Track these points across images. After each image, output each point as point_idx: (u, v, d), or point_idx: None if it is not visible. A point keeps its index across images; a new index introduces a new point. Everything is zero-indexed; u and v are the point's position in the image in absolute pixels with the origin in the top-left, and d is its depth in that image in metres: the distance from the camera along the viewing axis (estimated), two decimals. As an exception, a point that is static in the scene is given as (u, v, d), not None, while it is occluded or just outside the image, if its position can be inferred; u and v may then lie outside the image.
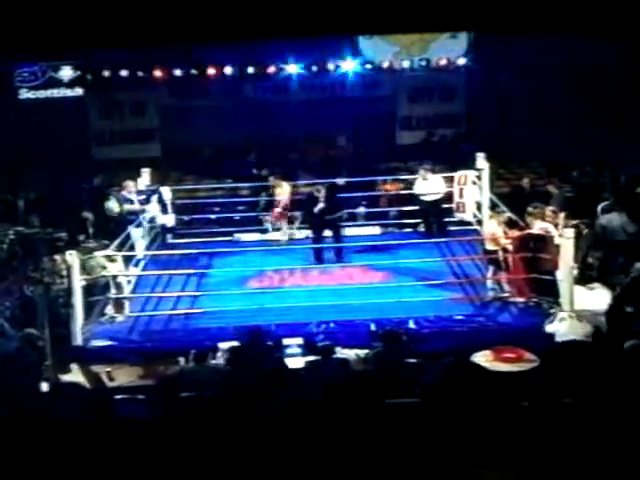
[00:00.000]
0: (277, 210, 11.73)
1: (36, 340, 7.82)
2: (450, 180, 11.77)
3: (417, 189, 11.66)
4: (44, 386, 7.41)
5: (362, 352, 7.92)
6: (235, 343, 8.00)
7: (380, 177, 13.06)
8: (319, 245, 10.82)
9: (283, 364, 7.43)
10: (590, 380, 6.49)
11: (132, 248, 10.72)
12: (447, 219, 11.73)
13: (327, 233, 10.94)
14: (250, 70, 14.26)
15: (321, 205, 10.68)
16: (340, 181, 12.29)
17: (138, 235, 10.88)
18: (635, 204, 10.58)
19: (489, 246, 9.53)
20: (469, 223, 11.58)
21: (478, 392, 6.61)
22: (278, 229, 11.97)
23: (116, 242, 10.11)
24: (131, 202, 11.20)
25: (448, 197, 11.63)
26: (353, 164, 14.22)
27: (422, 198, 11.59)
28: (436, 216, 11.62)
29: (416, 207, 11.82)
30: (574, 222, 9.63)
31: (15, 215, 11.89)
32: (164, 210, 11.73)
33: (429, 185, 11.53)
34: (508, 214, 9.89)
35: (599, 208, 10.38)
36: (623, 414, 5.37)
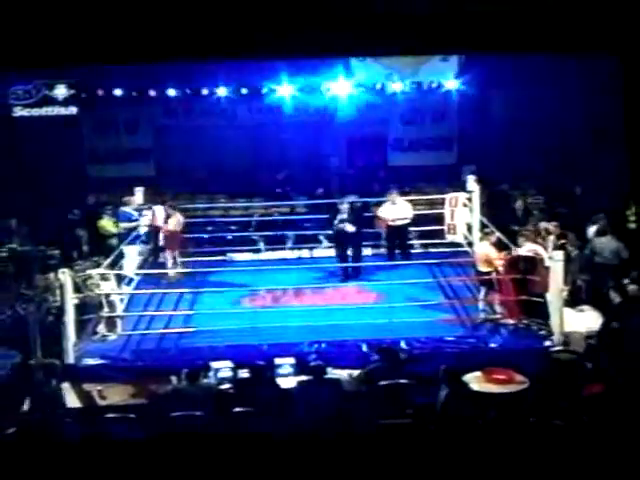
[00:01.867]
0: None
1: (55, 368, 7.84)
2: (431, 203, 11.90)
3: (385, 213, 11.48)
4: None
5: (354, 372, 7.95)
6: (228, 363, 8.03)
7: (375, 199, 13.05)
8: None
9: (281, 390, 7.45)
10: (581, 400, 6.55)
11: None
12: (412, 242, 11.78)
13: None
14: (244, 91, 14.42)
15: (343, 217, 10.76)
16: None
17: (131, 254, 10.87)
18: (628, 228, 10.70)
19: (481, 267, 9.60)
20: (460, 245, 11.67)
21: (471, 413, 6.66)
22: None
23: (108, 260, 10.12)
24: (130, 218, 11.21)
25: (414, 221, 11.59)
26: (346, 185, 14.32)
27: (390, 223, 11.46)
28: (402, 239, 11.55)
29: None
30: (561, 242, 9.72)
31: (8, 233, 11.90)
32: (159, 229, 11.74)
33: (397, 209, 11.44)
34: (497, 235, 9.97)
35: (592, 230, 10.46)
36: (614, 435, 5.43)
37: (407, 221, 11.46)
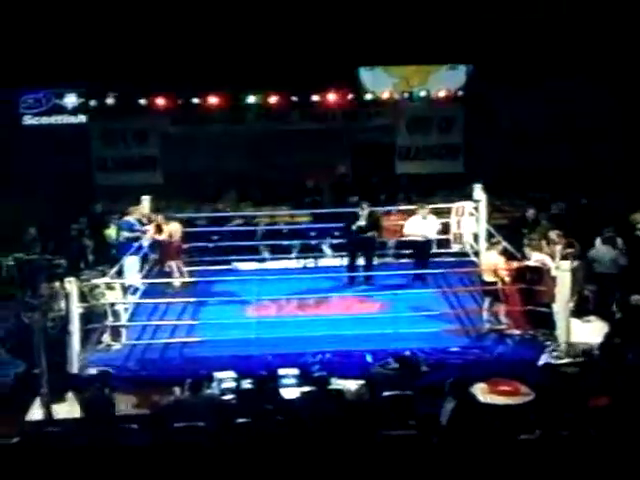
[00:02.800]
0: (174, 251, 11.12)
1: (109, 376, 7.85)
2: (437, 212, 11.69)
3: (413, 228, 11.21)
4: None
5: (358, 382, 7.89)
6: (232, 374, 8.01)
7: (386, 207, 12.89)
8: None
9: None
10: (587, 412, 6.50)
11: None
12: (432, 252, 11.52)
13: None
14: (251, 99, 14.47)
15: (361, 223, 10.74)
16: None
17: (132, 265, 10.80)
18: (630, 236, 10.62)
19: (487, 277, 9.54)
20: (466, 254, 11.60)
21: (475, 424, 6.61)
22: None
23: (114, 270, 10.13)
24: (132, 228, 11.20)
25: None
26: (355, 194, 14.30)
27: (415, 237, 11.19)
28: (425, 252, 11.36)
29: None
30: (567, 251, 9.65)
31: (15, 241, 11.93)
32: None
33: (427, 225, 11.23)
34: (504, 245, 9.90)
35: (599, 240, 10.38)
36: (620, 447, 5.38)
37: (433, 235, 11.30)
